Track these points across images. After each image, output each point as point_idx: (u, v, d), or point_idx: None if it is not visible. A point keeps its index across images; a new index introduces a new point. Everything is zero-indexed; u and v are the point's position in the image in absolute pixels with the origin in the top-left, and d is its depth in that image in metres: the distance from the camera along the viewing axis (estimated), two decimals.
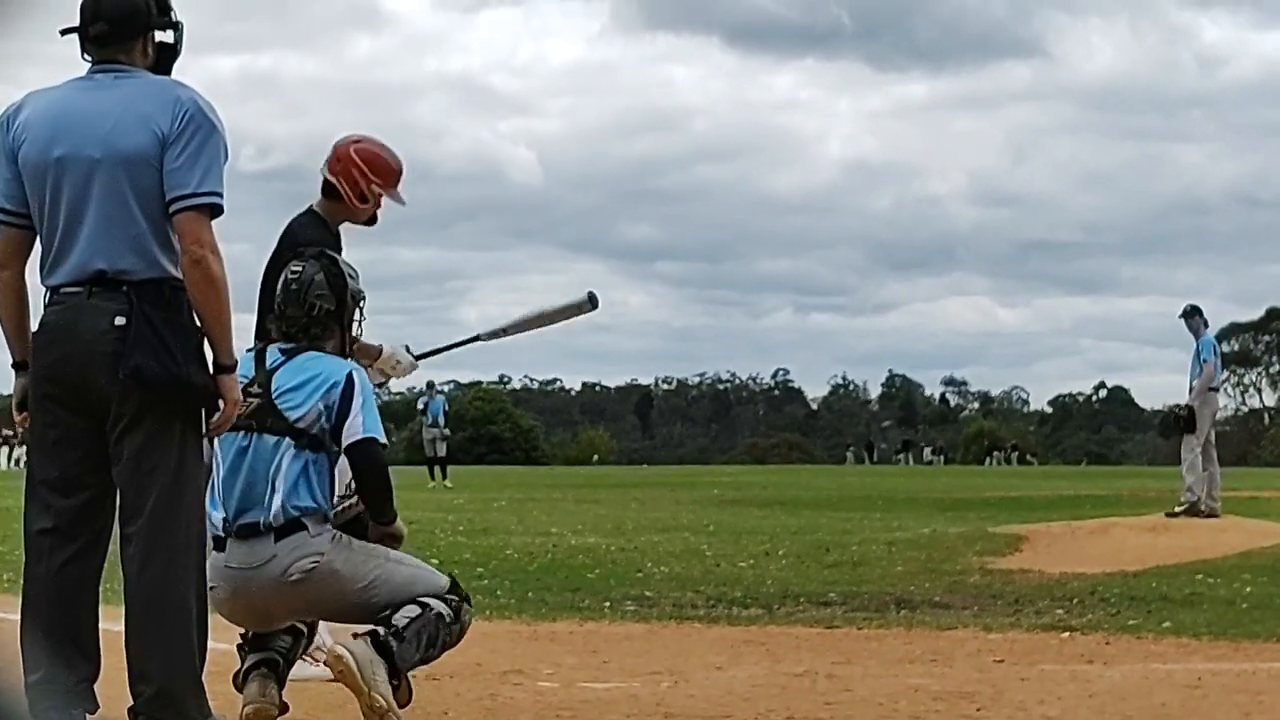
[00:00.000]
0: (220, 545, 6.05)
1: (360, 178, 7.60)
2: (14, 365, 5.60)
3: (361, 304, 6.48)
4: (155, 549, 5.41)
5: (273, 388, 6.14)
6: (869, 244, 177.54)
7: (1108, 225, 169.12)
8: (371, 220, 7.67)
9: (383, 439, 6.18)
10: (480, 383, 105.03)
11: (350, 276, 6.42)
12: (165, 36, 5.62)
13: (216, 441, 5.95)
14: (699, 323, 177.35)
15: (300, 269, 6.35)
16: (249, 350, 6.33)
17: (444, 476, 33.97)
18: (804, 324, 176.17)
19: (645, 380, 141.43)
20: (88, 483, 5.47)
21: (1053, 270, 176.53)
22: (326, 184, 7.60)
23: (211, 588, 5.94)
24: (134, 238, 5.38)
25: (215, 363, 5.46)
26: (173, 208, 5.36)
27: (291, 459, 6.05)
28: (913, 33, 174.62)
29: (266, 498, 6.03)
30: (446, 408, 36.41)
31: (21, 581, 5.64)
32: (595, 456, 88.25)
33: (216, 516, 6.04)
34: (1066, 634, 9.89)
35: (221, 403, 5.47)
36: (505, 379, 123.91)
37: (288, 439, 6.07)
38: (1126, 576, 13.00)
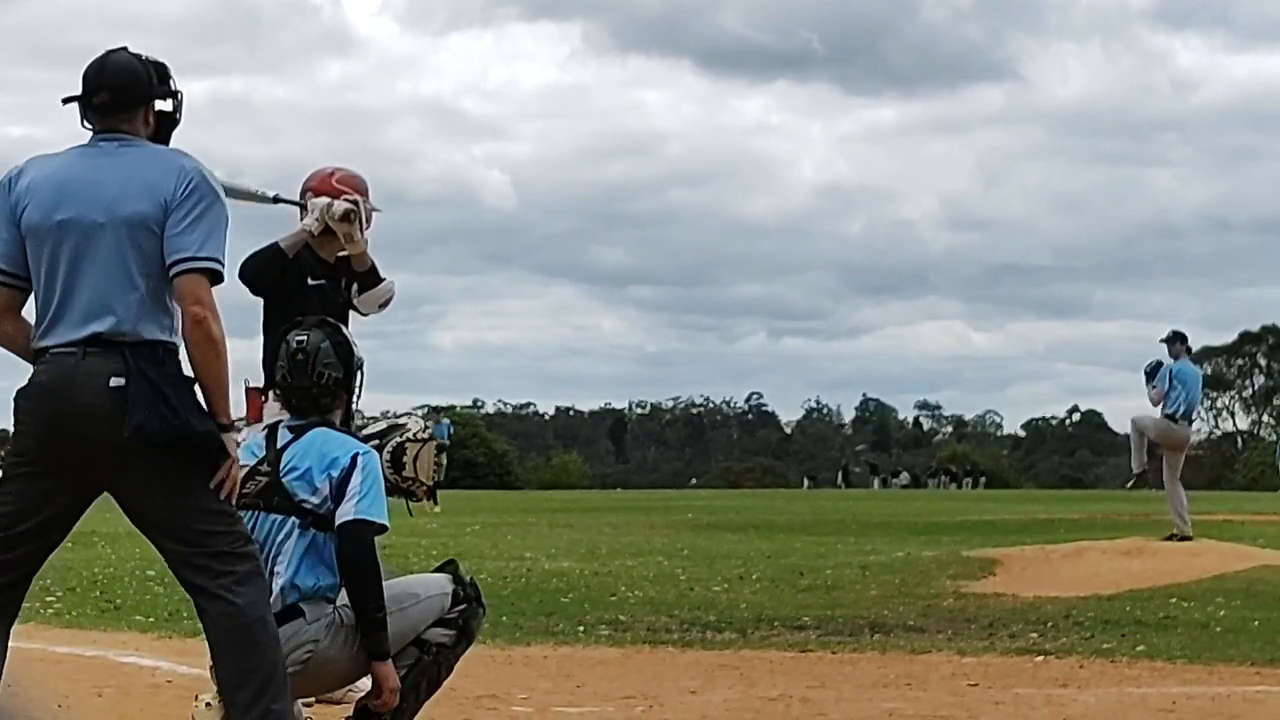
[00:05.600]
0: None
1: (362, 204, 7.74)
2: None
3: (362, 369, 6.37)
4: (234, 573, 5.44)
5: (281, 466, 6.04)
6: (842, 268, 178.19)
7: (1080, 249, 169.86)
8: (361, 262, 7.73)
9: (380, 521, 6.00)
10: (454, 407, 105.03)
11: (354, 343, 6.36)
12: (165, 105, 5.68)
13: None
14: (672, 347, 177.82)
15: (305, 338, 6.22)
16: (262, 430, 6.26)
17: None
18: (777, 348, 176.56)
19: (619, 404, 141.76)
20: (40, 535, 5.51)
21: (1025, 294, 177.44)
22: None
23: (211, 666, 5.91)
24: (132, 301, 5.39)
25: (215, 424, 5.46)
26: (173, 270, 5.37)
27: (297, 539, 5.93)
28: (884, 56, 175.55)
29: (272, 580, 5.86)
30: (450, 432, 36.66)
31: None
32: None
33: None
34: (1041, 657, 9.90)
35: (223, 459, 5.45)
36: (479, 403, 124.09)
37: (293, 518, 5.95)
38: (1100, 600, 13.02)
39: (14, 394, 5.51)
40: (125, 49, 5.65)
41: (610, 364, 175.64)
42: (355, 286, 7.85)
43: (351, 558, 5.93)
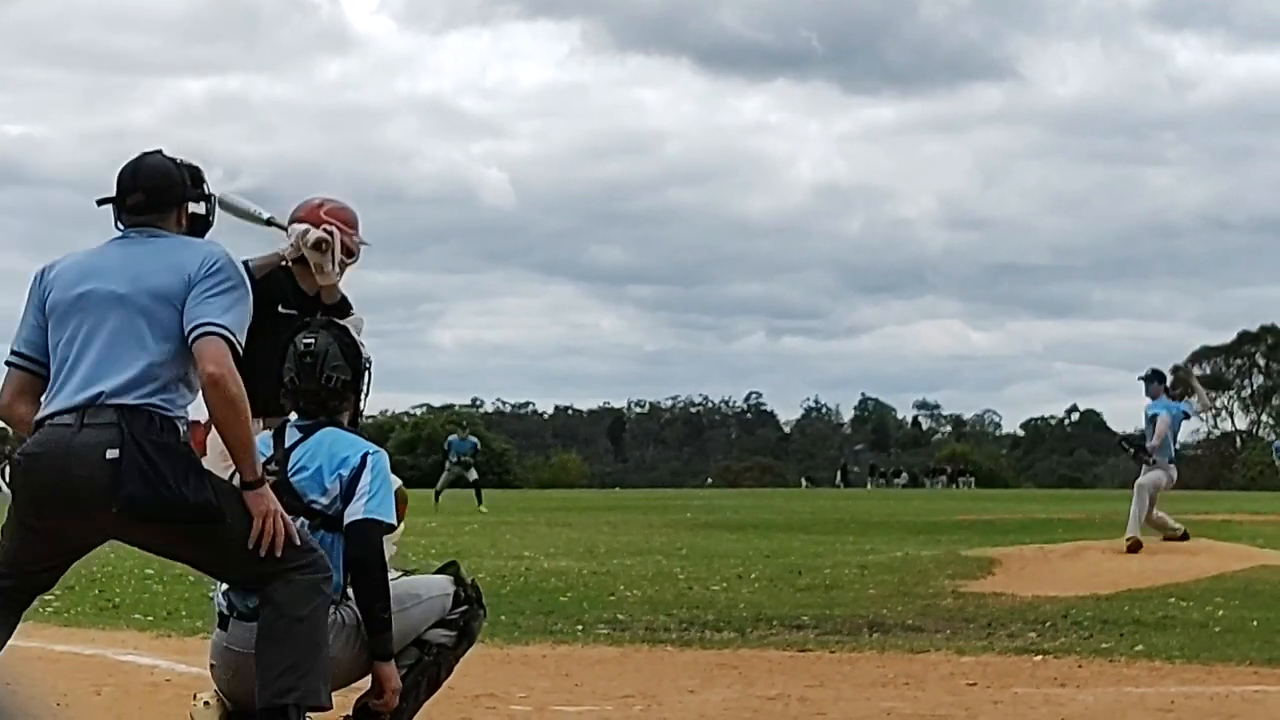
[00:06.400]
0: (224, 624, 5.93)
1: (345, 236, 7.70)
2: None
3: (370, 370, 6.36)
4: (273, 583, 5.56)
5: (289, 466, 6.03)
6: (840, 267, 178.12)
7: (1079, 248, 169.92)
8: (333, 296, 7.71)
9: (389, 520, 5.99)
10: (453, 406, 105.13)
11: (361, 345, 6.34)
12: (198, 208, 5.78)
13: None
14: (671, 346, 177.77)
15: (313, 340, 6.20)
16: (268, 430, 6.27)
17: (479, 501, 34.54)
18: (776, 347, 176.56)
19: (618, 404, 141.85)
20: (49, 570, 5.69)
21: (1024, 293, 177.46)
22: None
23: (212, 665, 5.95)
24: (140, 367, 5.44)
25: (241, 481, 5.53)
26: (193, 334, 5.42)
27: None
28: (883, 55, 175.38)
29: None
30: (477, 448, 37.61)
31: None
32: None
33: (222, 597, 5.95)
34: (1039, 657, 9.89)
35: (254, 516, 5.52)
36: (478, 402, 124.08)
37: (302, 519, 5.90)
38: (1099, 600, 13.02)
39: (13, 455, 5.57)
40: (160, 152, 5.77)
41: (609, 363, 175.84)
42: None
43: (360, 557, 5.92)
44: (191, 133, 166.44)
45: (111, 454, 5.32)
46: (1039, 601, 12.91)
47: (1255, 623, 11.41)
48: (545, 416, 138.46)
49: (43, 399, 5.55)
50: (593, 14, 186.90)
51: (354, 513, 5.93)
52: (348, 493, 5.95)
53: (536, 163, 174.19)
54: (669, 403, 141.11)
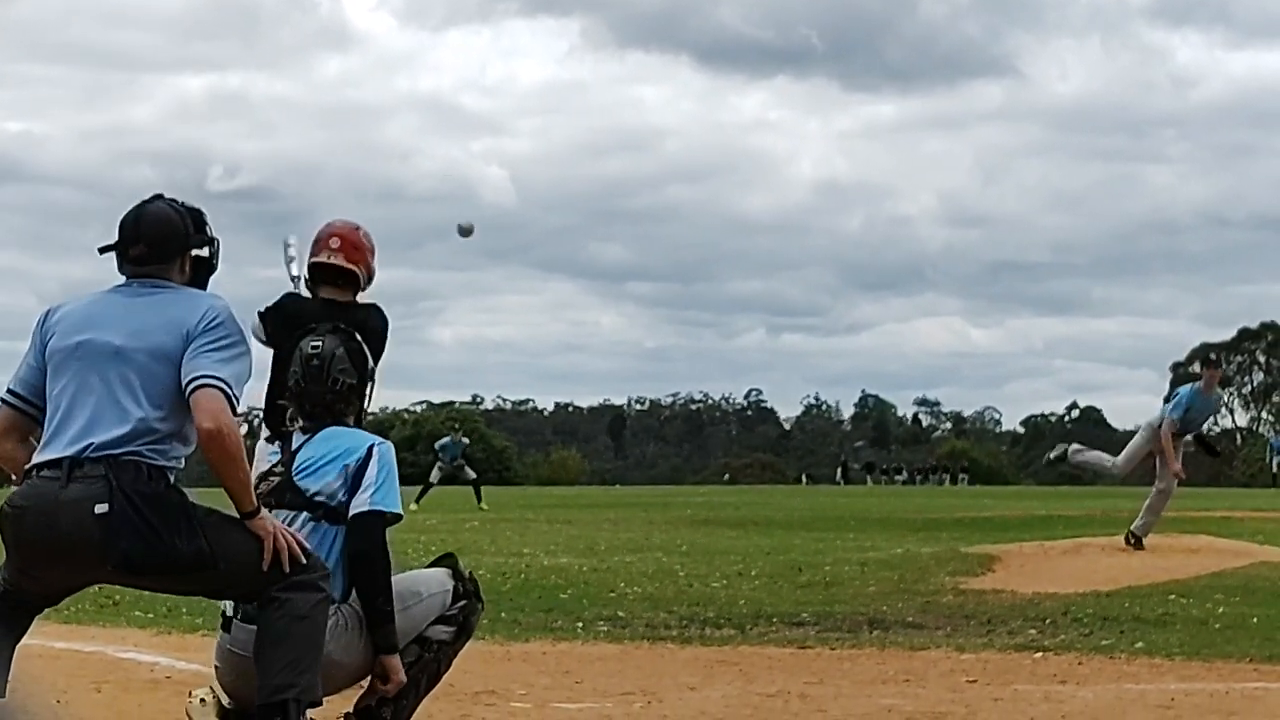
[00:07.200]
0: (227, 626, 5.94)
1: (373, 260, 7.87)
2: None
3: (374, 375, 6.36)
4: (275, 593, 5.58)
5: (294, 464, 6.05)
6: (840, 264, 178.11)
7: (1078, 246, 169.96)
8: None
9: (394, 510, 6.00)
10: (453, 403, 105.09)
11: (367, 351, 6.32)
12: (201, 252, 5.76)
13: None
14: (671, 343, 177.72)
15: (320, 344, 6.20)
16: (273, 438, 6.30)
17: (479, 499, 34.47)
18: (776, 344, 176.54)
19: (618, 401, 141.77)
20: (50, 598, 5.73)
21: (1024, 291, 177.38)
22: (343, 272, 7.75)
23: (216, 668, 5.98)
24: (132, 422, 5.42)
25: (241, 513, 5.53)
26: (191, 386, 5.40)
27: (307, 533, 5.87)
28: (883, 53, 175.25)
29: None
30: (467, 445, 37.58)
31: None
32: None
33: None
34: (1039, 654, 9.89)
35: (263, 538, 5.55)
36: (478, 399, 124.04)
37: (304, 513, 5.94)
38: (1099, 597, 13.01)
39: (2, 504, 5.55)
40: (160, 196, 5.74)
41: (609, 360, 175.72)
42: None
43: (364, 549, 5.92)
44: (191, 130, 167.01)
45: (101, 509, 5.31)
46: (1039, 598, 12.91)
47: (1255, 619, 11.40)
48: (545, 413, 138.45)
49: (36, 447, 5.56)
50: (593, 11, 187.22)
51: (359, 504, 5.93)
52: (353, 484, 5.95)
53: (536, 160, 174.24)
54: (669, 400, 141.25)
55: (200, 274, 5.74)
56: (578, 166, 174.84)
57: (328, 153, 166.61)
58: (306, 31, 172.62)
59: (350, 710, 6.13)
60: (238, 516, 5.54)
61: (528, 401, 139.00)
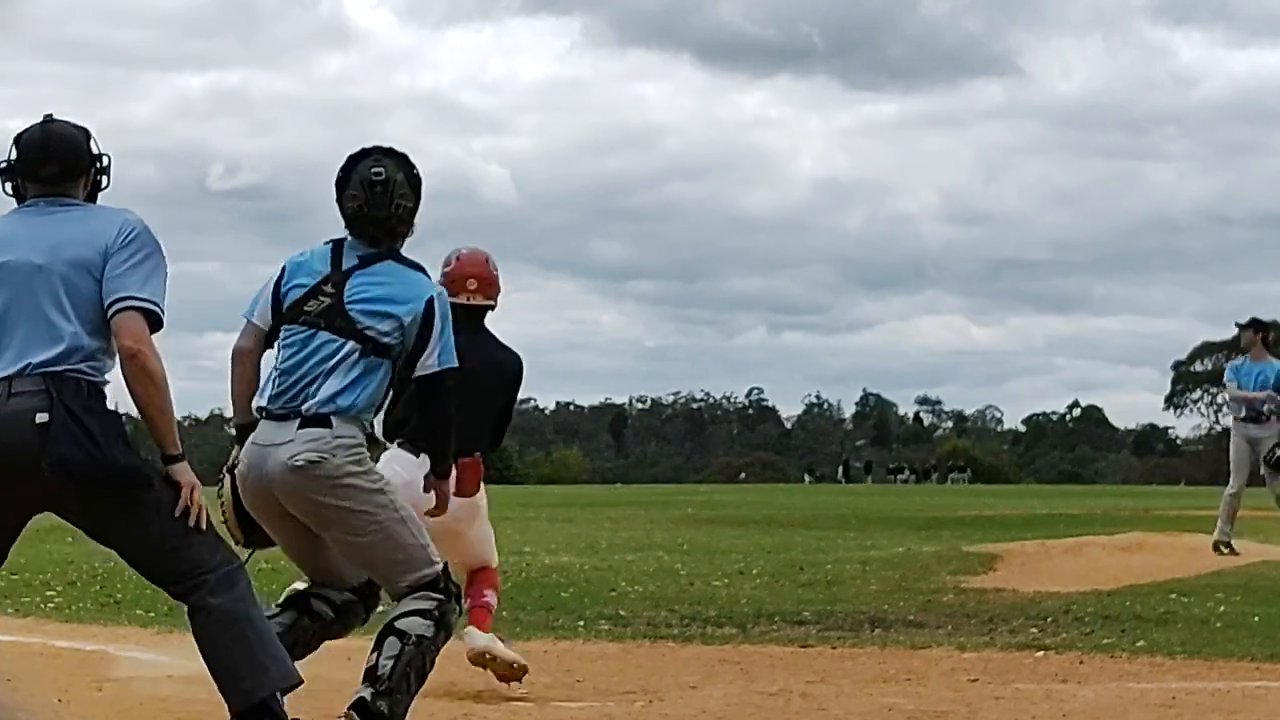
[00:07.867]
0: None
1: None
2: None
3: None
4: (206, 583, 5.60)
5: (347, 292, 6.18)
6: (841, 262, 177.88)
7: (1080, 243, 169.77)
8: None
9: (455, 364, 6.24)
10: None
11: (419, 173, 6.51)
12: (100, 167, 5.84)
13: (281, 333, 6.17)
14: (672, 342, 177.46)
15: (382, 170, 6.31)
16: (326, 243, 6.34)
17: None
18: (777, 343, 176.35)
19: (619, 399, 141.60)
20: None
21: (1025, 289, 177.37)
22: (484, 310, 8.23)
23: (237, 463, 6.14)
24: (66, 337, 5.50)
25: (163, 455, 5.58)
26: (112, 309, 5.50)
27: (352, 362, 6.10)
28: (884, 50, 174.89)
29: (314, 389, 6.09)
30: None
31: None
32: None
33: (263, 399, 6.16)
34: (1041, 653, 9.89)
35: (177, 487, 5.56)
36: None
37: (352, 341, 6.12)
38: (1100, 595, 13.01)
39: None
40: (51, 116, 5.76)
41: (610, 358, 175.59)
42: None
43: (431, 406, 6.27)
44: (191, 127, 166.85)
45: (41, 418, 5.40)
46: (1040, 597, 12.91)
47: (1256, 618, 11.40)
48: (546, 412, 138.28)
49: None
50: (593, 9, 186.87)
51: (429, 365, 6.20)
52: (419, 337, 6.16)
53: (537, 158, 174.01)
54: (670, 398, 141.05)
55: (94, 192, 5.82)
56: (578, 164, 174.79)
57: (328, 150, 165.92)
58: (306, 29, 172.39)
59: (349, 708, 6.13)
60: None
61: (529, 400, 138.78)
